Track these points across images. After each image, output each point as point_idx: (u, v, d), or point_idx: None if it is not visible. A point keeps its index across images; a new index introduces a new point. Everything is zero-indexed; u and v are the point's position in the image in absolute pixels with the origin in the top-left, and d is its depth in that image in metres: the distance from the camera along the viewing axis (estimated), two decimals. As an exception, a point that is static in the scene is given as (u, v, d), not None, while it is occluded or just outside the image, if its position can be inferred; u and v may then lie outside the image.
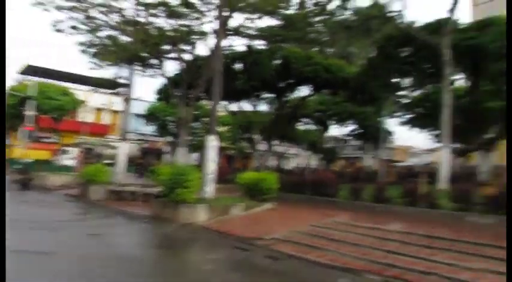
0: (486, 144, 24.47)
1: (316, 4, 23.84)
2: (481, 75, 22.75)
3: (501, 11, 48.29)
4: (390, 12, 24.01)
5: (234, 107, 32.87)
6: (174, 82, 25.90)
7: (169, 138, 38.94)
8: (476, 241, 8.70)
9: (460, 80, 27.24)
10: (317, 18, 24.96)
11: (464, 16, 53.50)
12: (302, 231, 11.06)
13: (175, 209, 13.00)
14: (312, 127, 41.58)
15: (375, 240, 9.63)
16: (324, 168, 34.44)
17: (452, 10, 20.19)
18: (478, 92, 24.69)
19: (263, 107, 35.75)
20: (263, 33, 24.72)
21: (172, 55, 25.71)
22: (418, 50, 22.66)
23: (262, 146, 34.49)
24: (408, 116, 32.58)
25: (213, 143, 15.21)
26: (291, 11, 23.98)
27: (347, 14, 24.75)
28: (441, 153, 20.02)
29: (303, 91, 31.57)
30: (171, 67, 43.15)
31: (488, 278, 6.77)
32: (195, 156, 37.24)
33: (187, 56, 25.65)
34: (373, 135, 36.88)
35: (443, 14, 21.18)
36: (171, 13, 21.80)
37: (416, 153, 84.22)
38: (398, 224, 11.49)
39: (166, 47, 24.94)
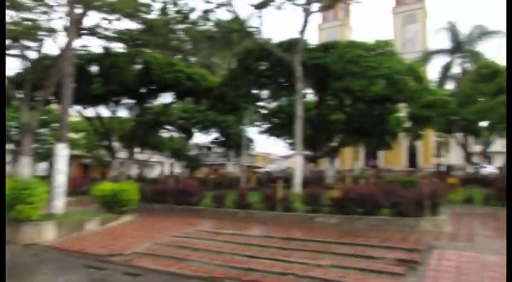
0: (331, 152, 27.80)
1: (178, 12, 23.77)
2: (326, 91, 25.76)
3: (342, 35, 55.55)
4: (249, 27, 25.45)
5: (90, 112, 30.40)
6: (15, 82, 22.73)
7: (11, 146, 33.87)
8: (324, 239, 9.74)
9: (310, 94, 30.45)
10: (180, 26, 24.89)
11: (313, 37, 59.93)
12: (164, 243, 10.77)
13: (16, 229, 11.26)
14: (176, 134, 41.29)
15: (237, 246, 9.96)
16: (188, 176, 34.37)
17: (302, 31, 22.47)
18: (324, 106, 27.97)
19: (123, 113, 34.04)
20: (122, 36, 23.54)
21: (13, 52, 22.50)
22: (274, 65, 24.51)
23: (122, 154, 32.67)
24: (266, 125, 34.92)
25: (63, 152, 13.69)
26: (152, 16, 23.42)
27: (209, 25, 25.30)
28: (295, 160, 21.95)
29: (166, 98, 31.14)
30: (12, 65, 37.68)
31: (334, 272, 7.60)
32: (43, 166, 33.17)
33: (32, 54, 22.79)
34: (235, 143, 38.40)
35: (295, 34, 23.48)
36: (10, 3, 19.07)
37: (274, 159, 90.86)
38: (258, 228, 12.14)
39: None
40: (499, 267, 6.70)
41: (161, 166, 55.36)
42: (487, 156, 36.89)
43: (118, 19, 22.08)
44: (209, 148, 54.94)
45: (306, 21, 22.49)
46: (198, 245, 10.39)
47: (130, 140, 30.13)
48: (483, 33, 34.31)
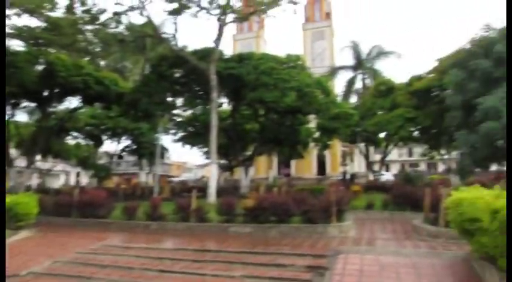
0: (246, 161, 28.22)
1: (86, 11, 22.42)
2: (240, 101, 26.19)
3: (256, 47, 56.90)
4: (164, 33, 24.94)
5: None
6: None
7: None
8: (237, 250, 9.75)
9: (225, 104, 30.68)
10: (88, 27, 23.50)
11: (228, 47, 60.74)
12: (67, 261, 9.88)
13: None
14: (83, 142, 38.63)
15: (148, 261, 9.52)
16: (96, 187, 32.24)
17: (217, 41, 22.62)
18: (239, 115, 28.38)
19: (22, 117, 30.95)
20: (22, 33, 21.50)
21: None
22: (189, 73, 24.28)
23: (20, 162, 29.53)
24: (181, 134, 34.32)
25: None
26: (57, 14, 21.79)
27: (121, 28, 24.28)
28: (210, 169, 21.83)
29: (73, 102, 29.04)
30: None
31: (246, 283, 7.64)
32: None
33: None
34: (148, 151, 37.07)
35: (211, 43, 23.54)
36: None
37: (190, 168, 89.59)
38: (171, 241, 11.77)
39: None
40: (396, 268, 7.36)
41: (66, 176, 51.27)
42: (385, 165, 40.41)
43: (17, 15, 20.23)
44: (120, 156, 52.30)
45: (220, 31, 22.71)
46: (105, 261, 9.71)
47: (30, 147, 27.40)
48: (380, 53, 37.85)
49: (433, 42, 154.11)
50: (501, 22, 15.88)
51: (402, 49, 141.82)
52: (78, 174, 52.52)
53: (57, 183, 46.66)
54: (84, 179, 43.32)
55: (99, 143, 37.62)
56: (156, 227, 13.61)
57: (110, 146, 40.00)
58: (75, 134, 35.46)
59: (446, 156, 30.20)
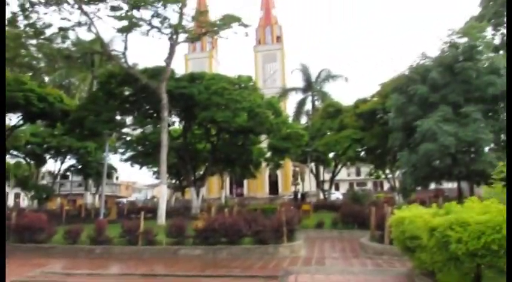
0: (198, 180, 27.84)
1: (30, 25, 21.50)
2: (192, 121, 26.01)
3: (209, 66, 57.13)
4: (113, 50, 24.39)
5: None
6: None
7: None
8: (187, 273, 9.49)
9: (176, 123, 30.30)
10: (32, 41, 22.51)
11: (180, 67, 60.46)
12: (0, 293, 9.12)
13: None
14: (23, 161, 36.33)
15: (91, 289, 9.03)
16: (37, 209, 30.21)
17: (168, 60, 22.48)
18: (190, 135, 28.12)
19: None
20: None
21: None
22: (139, 91, 23.84)
23: None
24: (130, 153, 33.31)
25: None
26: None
27: (67, 43, 23.49)
28: (160, 189, 21.29)
29: (13, 120, 27.39)
30: None
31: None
32: None
33: None
34: (95, 171, 35.57)
35: (161, 62, 23.35)
36: None
37: (139, 188, 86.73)
38: (117, 266, 11.25)
39: None
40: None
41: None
42: (334, 184, 41.53)
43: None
44: (65, 176, 49.65)
45: (172, 50, 22.60)
46: (43, 290, 9.08)
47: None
48: (329, 76, 39.40)
49: (379, 65, 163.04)
50: (436, 50, 17.31)
51: (349, 72, 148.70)
52: (17, 196, 49.18)
53: (-9, 206, 43.24)
54: (25, 201, 40.51)
55: (41, 162, 35.55)
56: (101, 251, 12.93)
57: (53, 165, 37.92)
58: (14, 152, 33.29)
59: (390, 175, 31.64)
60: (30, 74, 26.36)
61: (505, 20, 24.71)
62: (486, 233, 4.78)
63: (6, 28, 20.93)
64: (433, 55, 17.12)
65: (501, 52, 19.71)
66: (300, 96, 40.71)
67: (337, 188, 51.81)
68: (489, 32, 18.83)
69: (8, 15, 20.87)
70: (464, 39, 16.43)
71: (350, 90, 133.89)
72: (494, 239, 4.67)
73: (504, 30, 24.96)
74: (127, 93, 25.56)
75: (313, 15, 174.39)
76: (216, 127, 25.70)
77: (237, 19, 22.93)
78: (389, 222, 8.18)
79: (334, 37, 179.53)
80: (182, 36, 23.44)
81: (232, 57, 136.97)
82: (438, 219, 6.04)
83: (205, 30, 24.50)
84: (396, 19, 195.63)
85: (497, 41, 22.60)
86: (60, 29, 22.32)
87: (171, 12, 22.43)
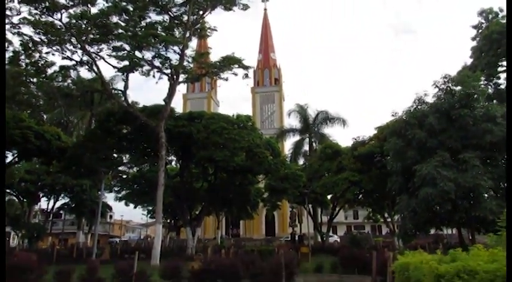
0: (194, 220, 27.35)
1: (32, 64, 21.89)
2: (190, 159, 25.95)
3: (207, 106, 57.72)
4: (113, 89, 24.74)
5: None
6: None
7: None
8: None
9: (173, 162, 30.20)
10: (33, 79, 22.84)
11: (179, 106, 61.22)
12: None
13: None
14: (16, 198, 35.72)
15: None
16: (27, 248, 29.33)
17: (168, 99, 22.77)
18: (188, 174, 27.95)
19: None
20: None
21: None
22: (137, 129, 23.92)
23: None
24: (126, 191, 32.95)
25: None
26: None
27: (68, 81, 23.84)
28: (155, 228, 20.82)
29: (8, 157, 27.19)
30: None
31: None
32: None
33: None
34: (89, 209, 34.94)
35: (161, 101, 23.64)
36: None
37: (133, 227, 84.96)
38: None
39: None
40: None
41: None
42: (332, 226, 40.88)
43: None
44: (57, 215, 48.67)
45: (172, 90, 22.94)
46: None
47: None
48: (326, 118, 39.80)
49: (376, 107, 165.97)
50: (432, 97, 17.60)
51: (348, 114, 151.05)
52: (7, 235, 47.80)
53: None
54: (15, 240, 39.38)
55: (34, 200, 34.96)
56: (92, 294, 12.43)
57: (46, 203, 37.28)
58: (8, 190, 32.79)
59: (389, 220, 31.21)
60: (29, 111, 26.54)
61: (498, 69, 25.54)
62: (495, 282, 4.64)
63: (7, 66, 21.33)
64: (430, 101, 17.42)
65: (495, 101, 20.15)
66: (297, 137, 40.93)
67: (334, 231, 50.95)
68: (482, 81, 19.26)
69: (9, 54, 21.33)
70: (459, 87, 16.77)
71: (348, 132, 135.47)
72: (503, 289, 4.52)
73: (497, 80, 25.67)
74: (125, 131, 25.66)
75: (311, 58, 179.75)
76: (213, 166, 25.62)
77: (238, 60, 23.52)
78: (393, 267, 7.95)
79: (332, 79, 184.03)
80: (182, 77, 23.92)
81: (230, 98, 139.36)
82: (445, 266, 5.88)
83: (205, 71, 25.03)
84: (394, 62, 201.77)
85: (490, 90, 23.11)
86: (62, 67, 22.72)
87: (172, 53, 23.05)
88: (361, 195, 29.61)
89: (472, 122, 15.49)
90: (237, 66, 23.86)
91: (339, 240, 40.85)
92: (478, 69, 22.53)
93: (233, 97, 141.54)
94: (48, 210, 36.76)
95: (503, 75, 25.50)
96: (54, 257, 21.51)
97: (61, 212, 41.42)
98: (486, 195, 14.62)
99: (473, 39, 28.07)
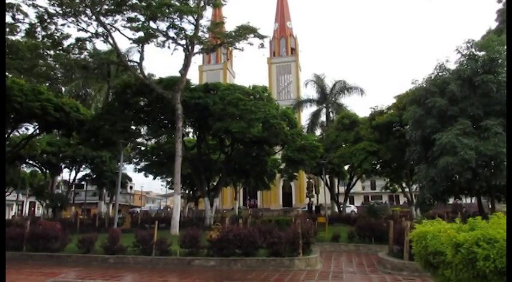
0: (211, 191, 27.75)
1: (48, 36, 21.92)
2: (206, 131, 26.02)
3: (223, 78, 57.58)
4: (129, 61, 24.69)
5: None
6: None
7: None
8: (201, 285, 9.36)
9: (190, 133, 30.37)
10: (49, 52, 22.95)
11: (195, 78, 60.95)
12: (13, 302, 9.09)
13: None
14: (39, 170, 36.83)
15: (104, 299, 8.92)
16: (51, 217, 30.50)
17: (183, 71, 22.61)
18: (205, 146, 28.11)
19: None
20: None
21: None
22: (154, 102, 23.98)
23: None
24: (145, 163, 33.47)
25: None
26: (17, 37, 21.24)
27: (84, 54, 23.89)
28: (174, 199, 21.23)
29: (29, 129, 27.91)
30: None
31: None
32: None
33: None
34: (110, 180, 35.81)
35: (176, 73, 23.52)
36: None
37: (153, 198, 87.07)
38: (131, 276, 11.15)
39: None
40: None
41: (19, 206, 48.32)
42: (349, 197, 40.99)
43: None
44: (79, 186, 50.17)
45: (187, 61, 22.72)
46: (56, 300, 9.01)
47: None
48: (344, 88, 39.11)
49: (395, 76, 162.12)
50: (453, 63, 16.97)
51: (365, 84, 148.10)
52: (32, 205, 49.71)
53: (9, 213, 43.86)
54: (40, 209, 40.95)
55: (56, 171, 35.99)
56: (115, 260, 12.88)
57: (68, 174, 38.37)
58: (30, 161, 33.78)
59: (407, 189, 31.01)
60: (48, 84, 26.83)
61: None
62: (516, 249, 4.53)
63: (25, 39, 21.43)
64: (451, 67, 16.82)
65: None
66: (314, 108, 40.49)
67: (351, 201, 51.10)
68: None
69: (26, 26, 21.39)
70: (483, 53, 16.11)
71: (366, 101, 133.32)
72: (524, 257, 4.41)
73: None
74: (142, 103, 25.78)
75: (328, 27, 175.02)
76: (230, 138, 25.64)
77: (253, 30, 23.03)
78: (410, 236, 7.90)
79: (350, 48, 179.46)
80: (197, 47, 23.63)
81: (246, 69, 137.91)
82: (463, 234, 5.79)
83: (220, 41, 24.64)
84: (413, 28, 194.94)
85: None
86: (78, 39, 22.74)
87: (187, 24, 22.70)
88: (378, 166, 29.38)
89: (495, 88, 14.94)
90: (252, 35, 23.39)
91: (356, 210, 41.02)
92: (503, 33, 21.55)
93: (249, 68, 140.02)
94: (71, 181, 37.84)
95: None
96: (78, 226, 22.32)
97: (83, 182, 42.57)
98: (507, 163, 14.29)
99: (499, 1, 26.72)
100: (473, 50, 16.55)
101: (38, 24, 21.36)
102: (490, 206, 18.77)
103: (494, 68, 15.42)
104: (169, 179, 39.16)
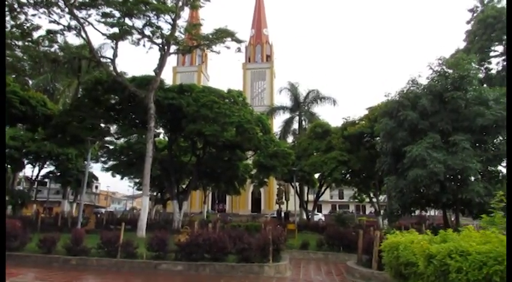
0: (181, 194, 27.26)
1: (17, 26, 21.03)
2: (179, 132, 25.59)
3: (197, 81, 56.97)
4: (101, 57, 24.01)
5: None
6: None
7: None
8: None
9: (162, 134, 29.82)
10: (18, 42, 22.02)
11: (168, 79, 60.17)
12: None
13: None
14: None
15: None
16: (12, 215, 29.02)
17: (158, 70, 22.22)
18: (176, 147, 27.65)
19: None
20: None
21: None
22: (126, 100, 23.39)
23: None
24: (112, 162, 32.56)
25: None
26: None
27: (55, 47, 23.06)
28: (141, 200, 20.69)
29: (-9, 122, 26.54)
30: None
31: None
32: None
33: None
34: (75, 179, 34.58)
35: (150, 72, 23.11)
36: None
37: (118, 199, 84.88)
38: (93, 279, 10.71)
39: None
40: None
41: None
42: (317, 205, 41.37)
43: None
44: (42, 183, 48.16)
45: (162, 61, 22.37)
46: (11, 303, 8.50)
47: None
48: (317, 97, 39.59)
49: (367, 88, 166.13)
50: (425, 78, 17.49)
51: (338, 93, 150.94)
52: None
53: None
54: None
55: (18, 167, 34.38)
56: (77, 262, 12.33)
57: (30, 171, 36.77)
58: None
59: (374, 200, 31.62)
60: (14, 76, 25.73)
61: (490, 54, 25.48)
62: (488, 263, 4.59)
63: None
64: (423, 82, 17.31)
65: (485, 85, 20.18)
66: (287, 115, 40.77)
67: (319, 210, 51.65)
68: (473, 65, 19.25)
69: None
70: (452, 70, 16.68)
71: (338, 112, 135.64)
72: (496, 271, 4.48)
73: (488, 65, 25.68)
74: (113, 101, 25.09)
75: (304, 36, 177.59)
76: (203, 140, 25.34)
77: (231, 34, 22.98)
78: (381, 246, 7.96)
79: (324, 59, 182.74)
80: (173, 48, 23.34)
81: (221, 73, 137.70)
82: (436, 246, 5.86)
83: (197, 43, 24.41)
84: (387, 42, 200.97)
85: (481, 75, 23.14)
86: (48, 31, 21.91)
87: (164, 23, 22.39)
88: (348, 175, 29.84)
89: (464, 104, 15.49)
90: (230, 39, 23.32)
91: (323, 218, 41.49)
92: (471, 52, 22.47)
93: (224, 72, 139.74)
94: (33, 178, 36.27)
95: (494, 60, 25.58)
96: (39, 225, 21.34)
97: (46, 180, 40.89)
98: (474, 178, 14.78)
99: (468, 22, 27.89)
100: (444, 67, 17.11)
101: (7, 13, 20.44)
102: (453, 219, 19.36)
103: (463, 86, 15.97)
104: (137, 180, 38.26)
